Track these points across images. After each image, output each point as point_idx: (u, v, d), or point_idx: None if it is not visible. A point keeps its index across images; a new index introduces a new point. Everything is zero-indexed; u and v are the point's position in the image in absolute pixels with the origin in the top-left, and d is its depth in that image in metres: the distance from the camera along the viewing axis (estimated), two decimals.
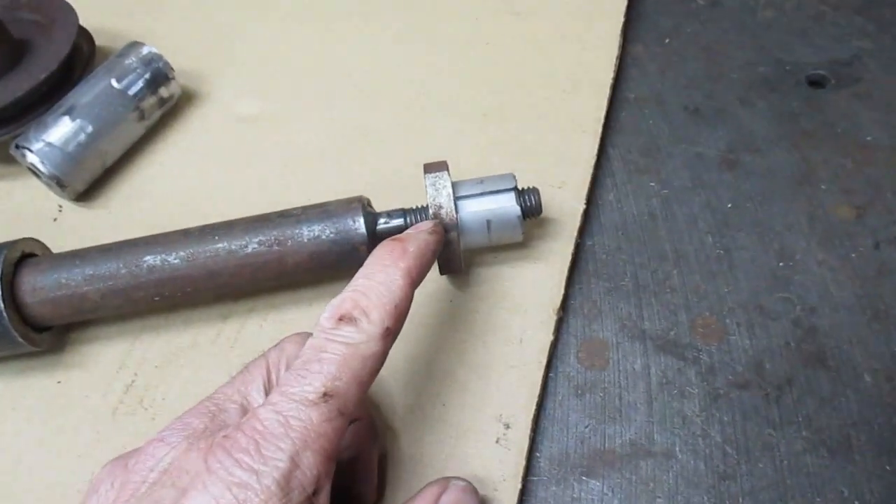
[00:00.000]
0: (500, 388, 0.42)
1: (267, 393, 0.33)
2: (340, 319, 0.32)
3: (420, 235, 0.38)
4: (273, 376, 0.34)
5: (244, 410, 0.32)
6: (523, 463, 0.40)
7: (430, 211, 0.42)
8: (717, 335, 0.44)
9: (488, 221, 0.43)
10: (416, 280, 0.35)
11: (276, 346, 0.36)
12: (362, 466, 0.38)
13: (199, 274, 0.42)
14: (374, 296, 0.33)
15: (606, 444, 0.41)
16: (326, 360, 0.30)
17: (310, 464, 0.28)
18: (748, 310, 0.45)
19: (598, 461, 0.40)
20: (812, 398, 0.41)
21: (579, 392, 0.43)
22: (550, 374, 0.44)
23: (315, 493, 0.28)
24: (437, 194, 0.42)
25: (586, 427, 0.42)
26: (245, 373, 0.35)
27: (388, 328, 0.32)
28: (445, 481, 0.36)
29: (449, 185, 0.42)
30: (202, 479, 0.27)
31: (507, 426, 0.41)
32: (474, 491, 0.36)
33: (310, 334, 0.37)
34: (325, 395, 0.29)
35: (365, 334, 0.31)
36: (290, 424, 0.28)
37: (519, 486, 0.39)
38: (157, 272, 0.42)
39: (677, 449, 0.40)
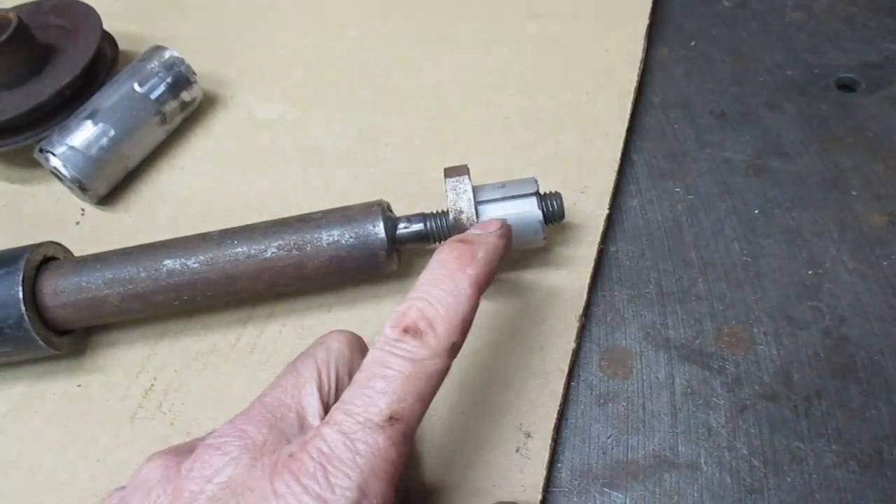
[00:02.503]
0: (520, 397, 0.42)
1: (322, 398, 0.32)
2: (405, 331, 0.30)
3: (489, 239, 0.35)
4: (324, 378, 0.33)
5: (301, 419, 0.31)
6: (544, 473, 0.39)
7: (451, 216, 0.41)
8: (743, 344, 0.43)
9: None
10: (483, 289, 0.33)
11: (320, 343, 0.35)
12: None
13: (218, 278, 0.42)
14: (442, 307, 0.31)
15: (629, 455, 0.40)
16: (391, 377, 0.29)
17: (376, 493, 0.27)
18: (776, 319, 0.44)
19: (621, 472, 0.39)
20: (842, 410, 0.40)
21: (602, 401, 0.42)
22: (572, 383, 0.43)
23: None
24: (458, 199, 0.41)
25: (609, 437, 0.41)
26: (294, 374, 0.33)
27: (454, 343, 0.30)
28: None
29: (470, 189, 0.42)
30: (269, 503, 0.27)
31: (528, 435, 0.40)
32: None
33: (351, 333, 0.36)
34: (390, 417, 0.28)
35: (430, 350, 0.30)
36: (358, 449, 0.27)
37: (539, 497, 0.38)
38: (176, 276, 0.42)
39: (702, 461, 0.39)
